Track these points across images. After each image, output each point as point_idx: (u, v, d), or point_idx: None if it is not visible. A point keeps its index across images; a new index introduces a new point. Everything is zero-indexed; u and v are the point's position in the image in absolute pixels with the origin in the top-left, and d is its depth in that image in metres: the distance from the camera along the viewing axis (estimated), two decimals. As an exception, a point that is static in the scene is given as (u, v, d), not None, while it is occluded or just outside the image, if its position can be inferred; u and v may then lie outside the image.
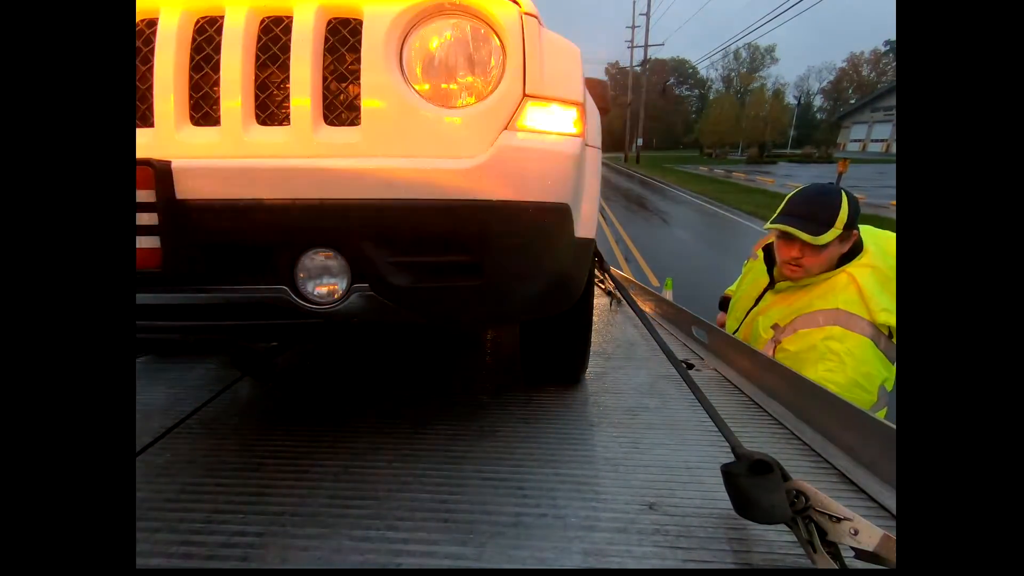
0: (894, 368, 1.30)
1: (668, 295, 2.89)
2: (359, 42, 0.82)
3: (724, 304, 1.85)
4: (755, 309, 1.56)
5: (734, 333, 1.65)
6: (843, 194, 1.35)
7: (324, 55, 0.82)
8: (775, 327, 1.44)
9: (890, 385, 1.32)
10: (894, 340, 1.28)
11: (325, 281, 0.85)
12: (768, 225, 1.45)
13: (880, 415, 1.24)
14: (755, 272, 1.61)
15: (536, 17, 0.88)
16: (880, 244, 1.39)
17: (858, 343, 1.27)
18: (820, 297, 1.35)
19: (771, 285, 1.52)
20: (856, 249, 1.37)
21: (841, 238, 1.33)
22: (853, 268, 1.34)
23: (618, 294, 2.53)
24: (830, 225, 1.31)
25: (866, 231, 1.43)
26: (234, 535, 0.89)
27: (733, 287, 1.82)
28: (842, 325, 1.29)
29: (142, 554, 0.84)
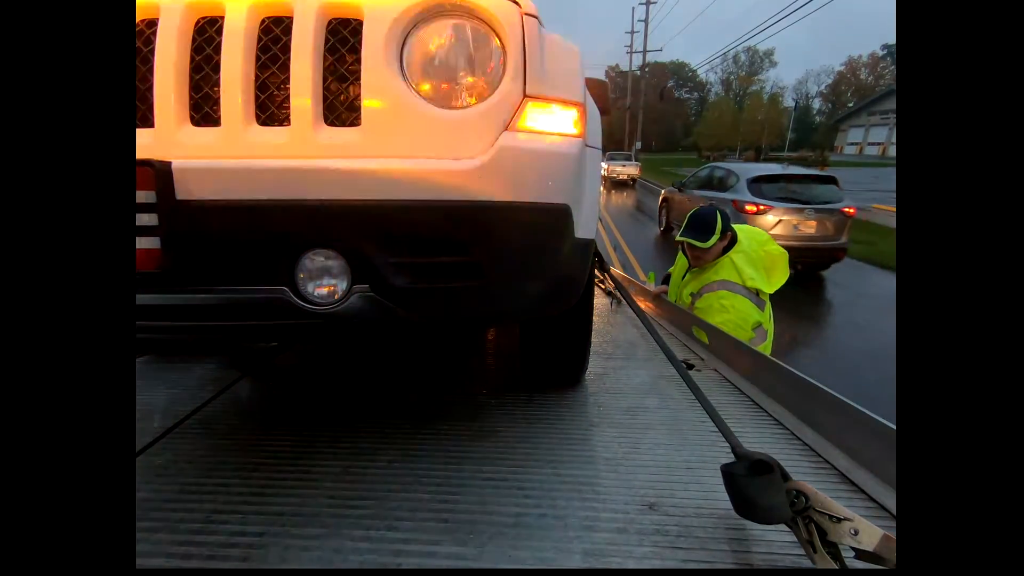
0: (764, 313, 2.11)
1: (650, 288, 2.98)
2: (359, 42, 0.82)
3: (667, 279, 2.64)
4: (681, 283, 2.37)
5: (675, 301, 2.39)
6: (717, 212, 2.16)
7: (324, 55, 0.82)
8: (692, 295, 2.23)
9: (767, 326, 2.13)
10: (760, 296, 2.11)
11: (325, 282, 0.85)
12: (678, 237, 2.26)
13: (762, 348, 1.92)
14: (682, 260, 2.42)
15: (536, 17, 0.88)
16: (748, 236, 2.20)
17: (738, 299, 2.06)
18: (715, 273, 2.14)
19: (689, 268, 2.31)
20: (734, 241, 2.16)
21: (720, 239, 2.12)
22: (732, 254, 2.13)
23: (618, 294, 2.54)
24: (712, 234, 2.11)
25: (739, 228, 2.21)
26: (234, 535, 0.89)
27: (673, 267, 2.57)
28: (728, 290, 2.08)
29: (142, 554, 0.84)
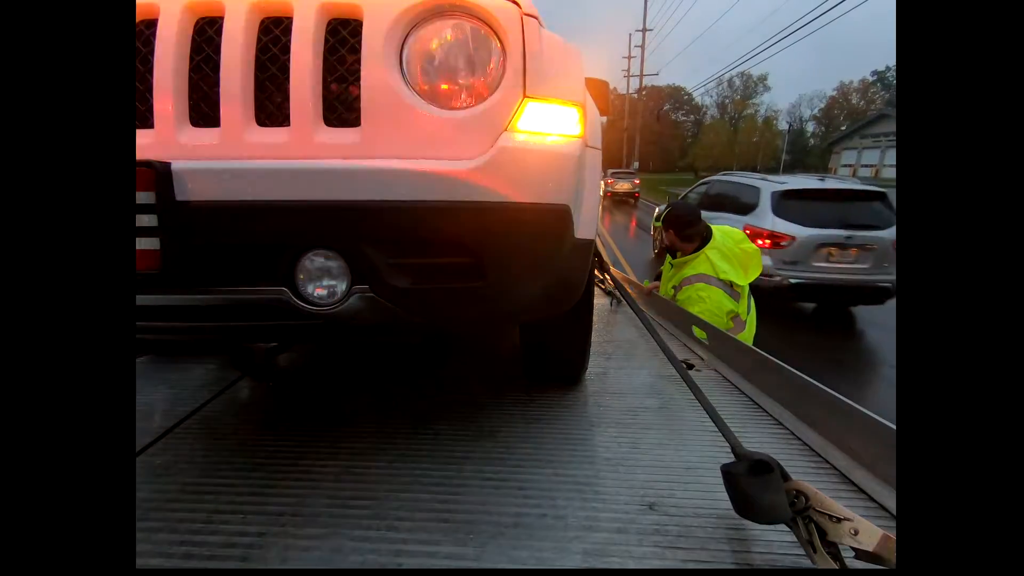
0: (739, 304, 2.34)
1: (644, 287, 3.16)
2: (359, 43, 0.82)
3: (660, 276, 2.89)
4: (665, 278, 2.68)
5: (663, 294, 2.68)
6: (673, 207, 2.60)
7: (324, 56, 0.82)
8: (674, 287, 2.50)
9: (744, 315, 2.36)
10: (735, 288, 2.33)
11: (325, 282, 0.85)
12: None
13: (741, 337, 2.02)
14: (669, 258, 2.71)
15: (536, 18, 0.88)
16: (724, 235, 2.45)
17: (714, 291, 2.30)
18: (692, 268, 2.40)
19: (672, 264, 2.62)
20: (708, 238, 2.40)
21: (664, 229, 2.52)
22: (707, 250, 2.37)
23: (618, 294, 2.55)
24: (659, 220, 2.83)
25: (717, 228, 2.48)
26: (234, 535, 0.90)
27: (664, 265, 2.87)
28: (703, 282, 2.33)
29: (142, 554, 0.84)
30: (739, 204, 5.16)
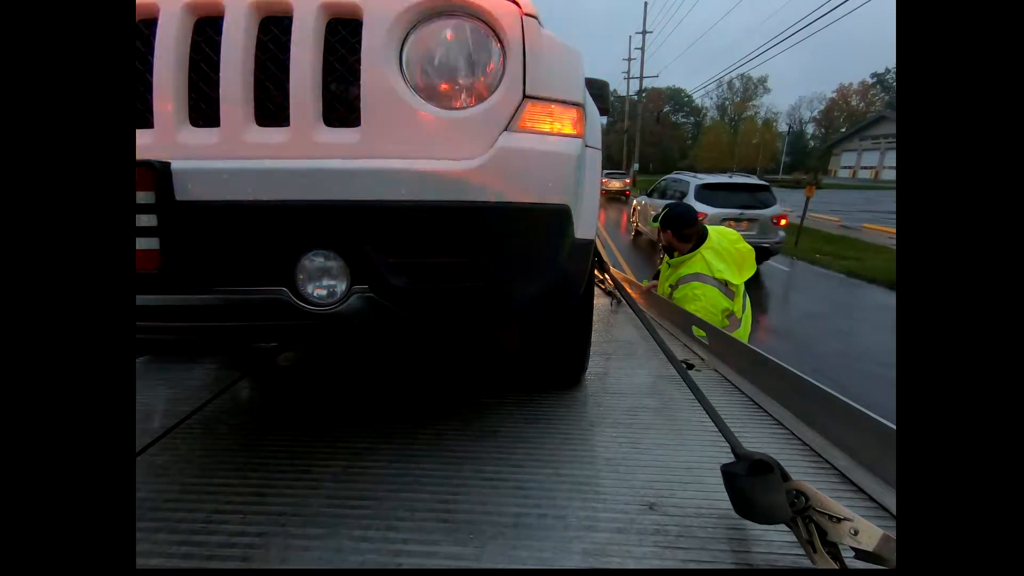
0: (734, 302, 2.39)
1: (642, 286, 3.21)
2: (359, 43, 0.82)
3: (658, 275, 2.95)
4: (662, 277, 2.73)
5: (660, 292, 2.76)
6: (670, 209, 2.60)
7: (324, 55, 0.82)
8: (671, 286, 2.55)
9: (739, 313, 2.41)
10: (730, 287, 2.38)
11: (324, 282, 0.84)
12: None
13: (736, 334, 2.09)
14: (666, 258, 2.77)
15: (536, 18, 0.88)
16: (720, 235, 2.51)
17: (709, 289, 2.36)
18: (688, 267, 2.46)
19: (669, 264, 2.66)
20: (703, 238, 2.46)
21: (662, 229, 2.54)
22: (703, 250, 2.43)
23: (618, 294, 2.56)
24: (657, 220, 2.66)
25: (712, 228, 2.54)
26: (234, 535, 0.90)
27: (661, 264, 2.94)
28: (699, 281, 2.39)
29: (142, 554, 0.84)
30: (678, 194, 7.95)
